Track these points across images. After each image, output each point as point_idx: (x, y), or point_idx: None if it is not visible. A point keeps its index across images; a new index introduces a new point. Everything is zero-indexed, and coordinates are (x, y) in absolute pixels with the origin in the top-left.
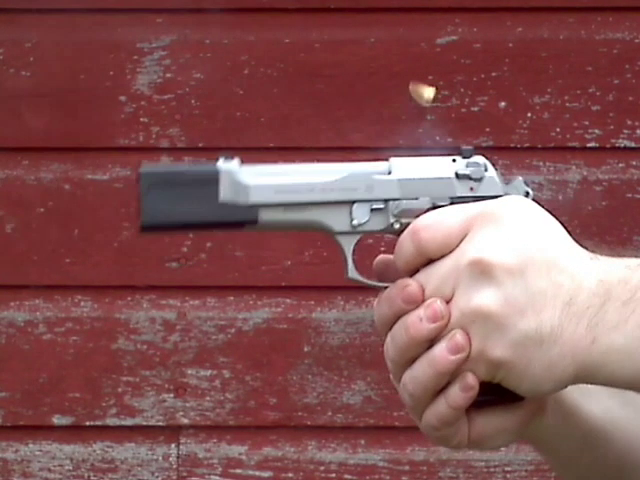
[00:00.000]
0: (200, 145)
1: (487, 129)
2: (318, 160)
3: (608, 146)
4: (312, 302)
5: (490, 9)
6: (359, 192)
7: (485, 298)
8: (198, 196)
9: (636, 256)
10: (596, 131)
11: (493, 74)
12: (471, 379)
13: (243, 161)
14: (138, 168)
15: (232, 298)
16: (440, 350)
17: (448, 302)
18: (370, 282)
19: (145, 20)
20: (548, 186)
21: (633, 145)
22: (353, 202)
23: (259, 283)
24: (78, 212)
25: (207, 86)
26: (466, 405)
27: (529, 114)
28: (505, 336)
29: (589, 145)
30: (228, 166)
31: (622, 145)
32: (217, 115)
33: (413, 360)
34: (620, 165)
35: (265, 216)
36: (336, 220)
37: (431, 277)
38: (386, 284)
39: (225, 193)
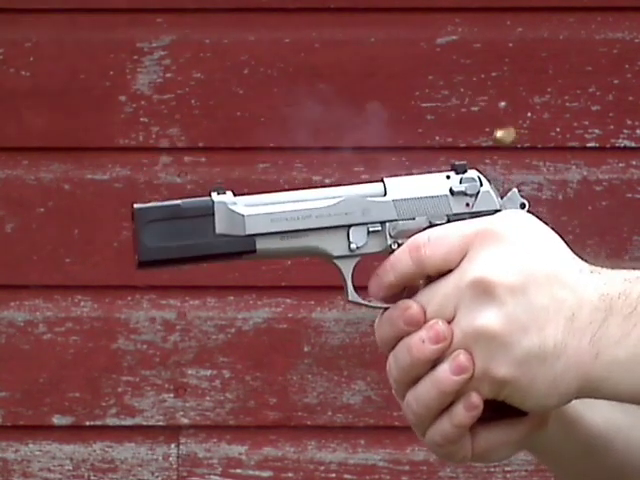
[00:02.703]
0: (200, 145)
1: (487, 129)
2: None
3: (608, 146)
4: (312, 302)
5: (490, 9)
6: (355, 216)
7: (488, 318)
8: (194, 229)
9: (633, 267)
10: (596, 131)
11: (493, 74)
12: (475, 398)
13: (235, 193)
14: (132, 204)
15: (232, 298)
16: (443, 371)
17: (450, 322)
18: (371, 304)
19: (145, 20)
20: (548, 186)
21: (633, 145)
22: (350, 226)
23: (259, 283)
24: (78, 212)
25: (207, 86)
26: (470, 424)
27: (529, 114)
28: (509, 355)
29: (589, 145)
30: (222, 198)
31: (622, 145)
32: (217, 115)
33: (417, 379)
34: (620, 165)
35: (263, 245)
36: (334, 245)
37: (432, 297)
38: (387, 305)
39: (221, 225)
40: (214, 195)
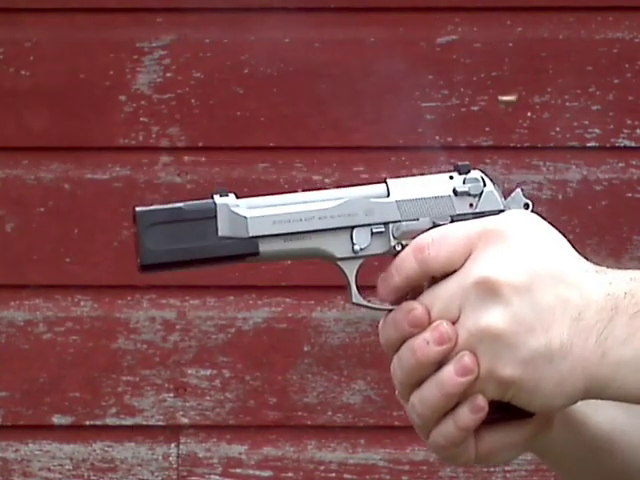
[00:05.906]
0: (200, 145)
1: (487, 129)
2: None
3: (608, 146)
4: (312, 302)
5: (490, 9)
6: (359, 217)
7: (493, 317)
8: (196, 232)
9: (637, 267)
10: (596, 131)
11: (493, 74)
12: (481, 401)
13: (238, 196)
14: (134, 207)
15: (232, 298)
16: (448, 373)
17: (455, 323)
18: (375, 306)
19: (145, 20)
20: (548, 186)
21: (633, 145)
22: (353, 227)
23: (259, 283)
24: (78, 212)
25: (207, 86)
26: (475, 426)
27: (529, 114)
28: (515, 355)
29: (589, 145)
30: (224, 200)
31: (622, 145)
32: (217, 115)
33: (421, 381)
34: (620, 165)
35: (266, 247)
36: (337, 246)
37: (437, 298)
38: (391, 307)
39: (224, 227)
40: (216, 197)
